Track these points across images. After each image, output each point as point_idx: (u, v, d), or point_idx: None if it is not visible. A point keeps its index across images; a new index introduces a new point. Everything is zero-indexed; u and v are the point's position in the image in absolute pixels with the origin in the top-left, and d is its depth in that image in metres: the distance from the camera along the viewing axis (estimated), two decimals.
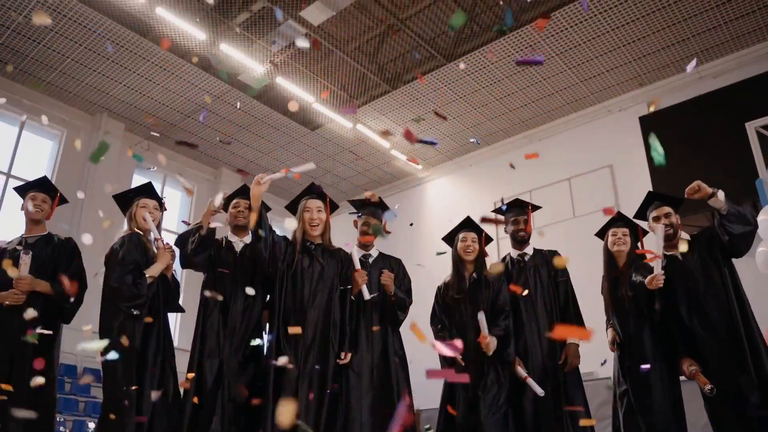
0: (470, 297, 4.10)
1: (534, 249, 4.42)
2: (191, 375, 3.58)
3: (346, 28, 9.06)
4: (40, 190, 4.08)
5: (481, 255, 4.25)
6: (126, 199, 3.82)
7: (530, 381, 3.85)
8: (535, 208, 4.51)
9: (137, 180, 11.28)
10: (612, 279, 4.06)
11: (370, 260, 4.14)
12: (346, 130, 11.09)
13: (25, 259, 3.71)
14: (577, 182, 10.20)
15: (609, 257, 4.14)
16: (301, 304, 3.66)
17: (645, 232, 4.20)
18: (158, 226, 3.73)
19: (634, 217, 4.17)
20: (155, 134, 11.10)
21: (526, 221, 4.38)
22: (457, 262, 4.25)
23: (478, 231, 4.29)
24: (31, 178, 9.92)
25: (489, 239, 4.41)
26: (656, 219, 3.89)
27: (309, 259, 3.83)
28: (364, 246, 4.17)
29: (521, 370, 3.94)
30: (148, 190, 3.82)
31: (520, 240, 4.40)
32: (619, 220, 4.22)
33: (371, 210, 4.20)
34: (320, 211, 3.84)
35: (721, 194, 3.61)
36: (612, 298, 4.05)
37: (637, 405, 3.73)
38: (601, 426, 4.97)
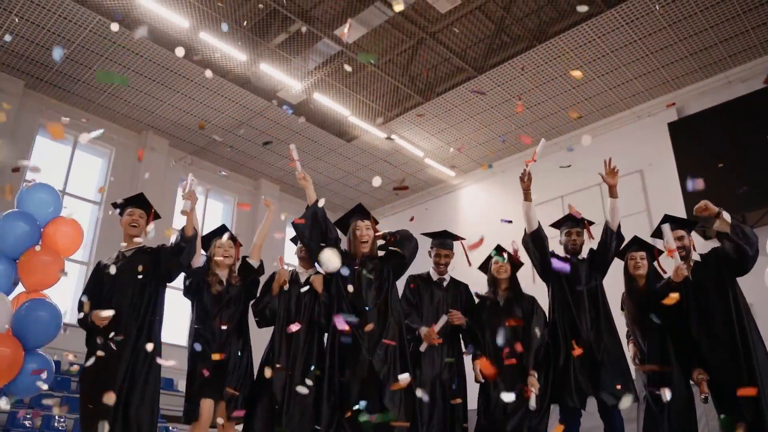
0: (506, 310, 4.43)
1: (584, 258, 4.66)
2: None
3: (378, 44, 9.41)
4: (137, 207, 4.38)
5: (514, 274, 4.57)
6: (208, 241, 4.44)
7: None
8: (590, 223, 4.71)
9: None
10: (634, 299, 4.29)
11: (444, 284, 4.63)
12: (380, 141, 11.42)
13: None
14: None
15: (629, 279, 4.38)
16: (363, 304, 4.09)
17: (660, 252, 4.42)
18: (233, 265, 4.41)
19: (653, 234, 4.41)
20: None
21: (579, 233, 4.61)
22: (492, 282, 4.58)
23: (508, 256, 4.61)
24: (83, 195, 10.43)
25: (520, 263, 4.68)
26: None
27: (364, 266, 4.23)
28: (440, 272, 4.65)
29: None
30: (222, 231, 4.49)
31: (572, 252, 4.64)
32: (635, 243, 4.44)
33: (442, 241, 4.67)
34: (368, 229, 4.31)
35: (726, 215, 3.85)
36: (634, 316, 4.30)
37: (657, 408, 3.99)
38: (630, 429, 5.18)
